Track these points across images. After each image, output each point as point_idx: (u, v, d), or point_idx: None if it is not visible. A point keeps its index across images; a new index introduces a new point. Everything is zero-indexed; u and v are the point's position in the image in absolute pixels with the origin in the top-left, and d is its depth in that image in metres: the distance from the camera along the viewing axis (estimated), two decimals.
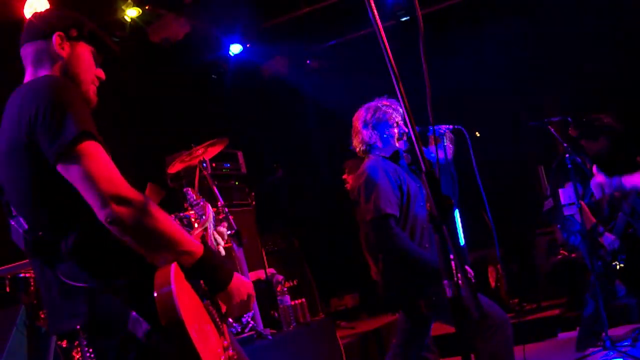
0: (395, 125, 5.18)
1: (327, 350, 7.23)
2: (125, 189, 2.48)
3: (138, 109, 8.96)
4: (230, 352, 2.78)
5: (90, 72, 2.94)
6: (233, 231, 6.88)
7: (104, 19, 8.57)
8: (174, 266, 2.53)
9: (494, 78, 10.10)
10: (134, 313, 2.48)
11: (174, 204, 8.00)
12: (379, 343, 8.19)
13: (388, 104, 5.27)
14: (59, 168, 2.48)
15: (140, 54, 9.14)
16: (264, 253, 8.13)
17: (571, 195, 6.93)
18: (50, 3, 7.02)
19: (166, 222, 2.55)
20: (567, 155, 6.86)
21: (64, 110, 2.50)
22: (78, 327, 2.54)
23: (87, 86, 2.92)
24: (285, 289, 7.44)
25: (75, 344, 2.58)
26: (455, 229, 5.73)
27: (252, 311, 2.78)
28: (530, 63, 10.16)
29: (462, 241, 5.72)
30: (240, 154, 9.37)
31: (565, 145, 7.04)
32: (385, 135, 5.19)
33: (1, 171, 2.73)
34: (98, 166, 2.47)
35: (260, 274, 7.73)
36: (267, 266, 7.82)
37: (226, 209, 7.05)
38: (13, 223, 2.68)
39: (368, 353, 7.95)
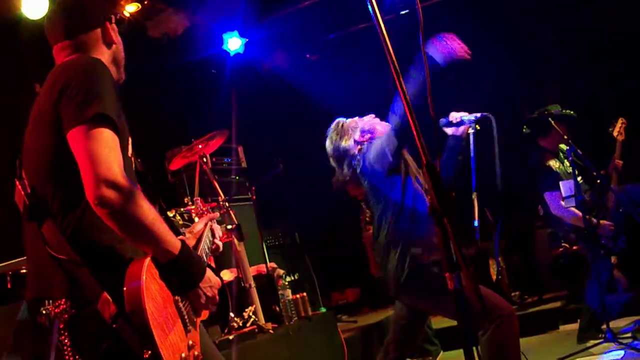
0: None
1: (328, 345, 7.24)
2: (121, 176, 2.56)
3: (138, 104, 8.95)
4: (196, 352, 2.86)
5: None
6: (234, 225, 6.89)
7: None
8: (147, 260, 2.65)
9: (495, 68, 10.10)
10: (105, 294, 2.58)
11: (174, 198, 8.02)
12: (381, 337, 8.19)
13: None
14: (69, 137, 2.61)
15: (139, 49, 9.13)
16: (264, 247, 8.13)
17: (571, 188, 6.93)
18: (50, 1, 7.02)
19: (151, 217, 2.64)
20: (567, 148, 6.86)
21: (93, 90, 2.64)
22: (64, 300, 2.65)
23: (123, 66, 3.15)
24: (287, 283, 7.44)
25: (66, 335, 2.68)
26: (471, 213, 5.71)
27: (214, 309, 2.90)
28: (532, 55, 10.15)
29: (475, 223, 5.69)
30: (240, 149, 9.38)
31: (566, 137, 7.04)
32: None
33: (28, 134, 2.87)
34: (102, 149, 2.56)
35: (261, 269, 7.74)
36: (268, 260, 7.82)
37: (227, 204, 7.07)
38: (18, 184, 2.81)
39: (369, 347, 7.95)
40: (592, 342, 6.64)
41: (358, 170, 5.05)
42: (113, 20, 3.09)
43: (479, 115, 5.24)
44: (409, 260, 4.71)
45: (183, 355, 2.72)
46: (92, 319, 2.60)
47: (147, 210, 2.63)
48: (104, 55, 3.01)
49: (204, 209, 4.30)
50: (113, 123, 2.63)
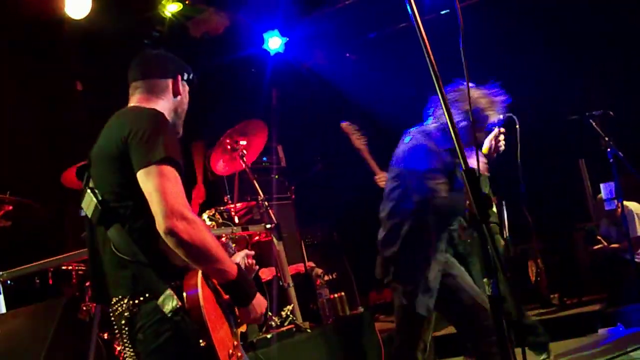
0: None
1: (365, 344, 7.24)
2: (187, 209, 2.88)
3: None
4: (239, 353, 3.22)
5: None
6: (273, 224, 6.92)
7: (145, 14, 8.64)
8: (200, 272, 3.03)
9: (535, 69, 10.04)
10: (169, 290, 2.93)
11: (214, 196, 8.06)
12: None
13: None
14: (139, 176, 2.93)
15: (180, 48, 9.20)
16: (303, 246, 8.15)
17: (612, 190, 6.86)
18: (93, 2, 7.10)
19: (214, 244, 2.97)
20: (608, 150, 6.78)
21: (159, 137, 2.97)
22: (127, 297, 2.99)
23: (182, 120, 3.54)
24: (325, 282, 7.45)
25: (117, 335, 3.03)
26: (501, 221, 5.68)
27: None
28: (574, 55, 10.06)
29: (506, 234, 5.66)
30: (280, 148, 9.40)
31: (607, 139, 6.97)
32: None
33: (96, 158, 3.18)
34: (169, 186, 2.89)
35: (299, 268, 7.76)
36: (306, 259, 7.83)
37: (266, 202, 7.10)
38: (90, 192, 3.12)
39: None
40: (633, 346, 6.56)
41: None
42: (184, 77, 3.50)
43: (503, 117, 5.19)
44: None
45: (230, 351, 3.07)
46: (152, 313, 2.92)
47: (210, 239, 2.94)
48: (169, 102, 3.42)
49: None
50: (177, 163, 2.96)
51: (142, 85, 3.38)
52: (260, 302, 3.27)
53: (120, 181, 3.03)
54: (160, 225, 2.83)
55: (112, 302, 3.03)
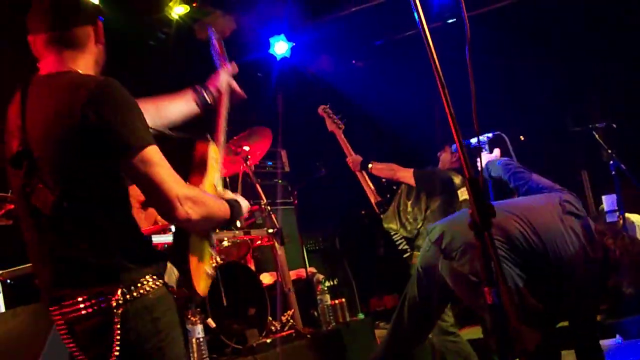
0: None
1: (365, 351, 7.22)
2: (185, 187, 2.73)
3: None
4: (216, 259, 3.24)
5: None
6: (275, 229, 6.91)
7: (151, 16, 8.64)
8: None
9: (539, 81, 10.03)
10: (169, 276, 2.80)
11: None
12: None
13: None
14: (124, 166, 2.64)
15: (186, 51, 9.20)
16: (305, 252, 8.14)
17: (614, 202, 6.85)
18: (99, 2, 7.10)
19: (215, 205, 2.94)
20: (611, 162, 6.78)
21: (128, 116, 2.63)
22: (119, 290, 2.65)
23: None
24: (325, 288, 7.44)
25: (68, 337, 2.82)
26: None
27: None
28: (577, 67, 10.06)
29: None
30: (284, 153, 9.39)
31: (609, 151, 6.96)
32: None
33: (37, 141, 2.71)
34: (162, 172, 2.66)
35: (300, 273, 7.75)
36: (307, 265, 7.82)
37: (269, 207, 7.09)
38: (41, 186, 2.67)
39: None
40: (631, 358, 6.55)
41: None
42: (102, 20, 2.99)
43: (490, 135, 5.21)
44: None
45: (209, 272, 3.09)
46: (158, 301, 2.71)
47: (212, 203, 2.90)
48: (93, 54, 2.93)
49: (220, 56, 4.23)
50: (153, 139, 2.70)
51: (60, 37, 2.83)
52: (245, 206, 3.23)
53: (80, 166, 2.63)
54: (171, 216, 2.68)
55: (78, 301, 2.66)
